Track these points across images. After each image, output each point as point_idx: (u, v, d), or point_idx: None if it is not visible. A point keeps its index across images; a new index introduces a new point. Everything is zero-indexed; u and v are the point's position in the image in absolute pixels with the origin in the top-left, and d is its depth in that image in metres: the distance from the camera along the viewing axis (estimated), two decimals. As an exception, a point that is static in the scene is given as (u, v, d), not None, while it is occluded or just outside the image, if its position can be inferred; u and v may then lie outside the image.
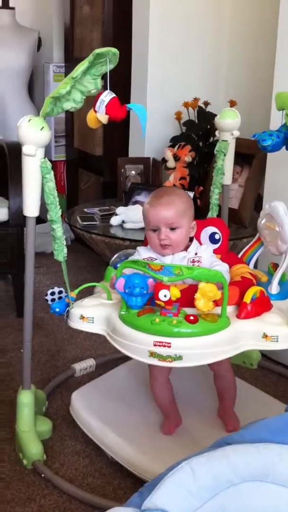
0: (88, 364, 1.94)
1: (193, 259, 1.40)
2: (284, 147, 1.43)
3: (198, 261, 1.40)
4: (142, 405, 1.61)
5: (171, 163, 2.37)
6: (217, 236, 1.54)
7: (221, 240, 1.54)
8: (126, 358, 1.87)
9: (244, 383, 1.77)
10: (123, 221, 2.26)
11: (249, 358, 1.98)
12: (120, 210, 2.28)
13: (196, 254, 1.42)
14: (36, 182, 1.35)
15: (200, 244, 1.49)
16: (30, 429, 1.53)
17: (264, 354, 2.01)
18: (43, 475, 1.48)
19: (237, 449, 0.97)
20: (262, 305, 1.35)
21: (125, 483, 1.47)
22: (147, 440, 1.49)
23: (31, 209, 1.40)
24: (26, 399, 1.54)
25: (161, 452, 1.43)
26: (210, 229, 1.54)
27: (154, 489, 0.91)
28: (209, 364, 1.52)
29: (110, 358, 1.99)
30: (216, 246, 1.53)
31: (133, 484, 1.44)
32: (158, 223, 1.39)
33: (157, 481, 0.96)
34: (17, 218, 2.27)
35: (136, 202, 2.34)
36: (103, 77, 1.29)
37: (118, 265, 1.35)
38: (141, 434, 1.51)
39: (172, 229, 1.39)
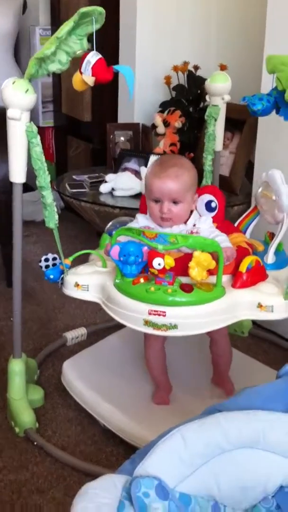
0: (79, 332, 1.94)
1: (192, 231, 1.38)
2: (274, 111, 1.40)
3: (197, 232, 1.37)
4: (134, 373, 1.62)
5: (161, 129, 2.33)
6: (213, 204, 1.52)
7: (217, 208, 1.51)
8: (118, 327, 1.87)
9: (235, 351, 1.76)
10: (112, 188, 2.23)
11: (240, 326, 1.99)
12: (109, 177, 2.25)
13: (194, 225, 1.39)
14: (22, 147, 1.32)
15: (199, 215, 1.46)
16: (22, 397, 1.54)
17: (255, 322, 2.02)
18: (35, 443, 1.49)
19: (228, 416, 0.97)
20: (257, 275, 1.34)
21: (117, 450, 1.48)
22: (139, 408, 1.50)
23: (17, 175, 1.37)
24: (17, 367, 1.54)
25: (153, 419, 1.44)
26: (207, 197, 1.52)
27: (146, 456, 0.92)
28: None
29: (102, 327, 1.99)
30: (213, 214, 1.51)
31: (125, 451, 1.45)
32: (162, 195, 1.35)
33: (148, 448, 0.97)
34: (4, 186, 2.21)
35: (125, 169, 2.30)
36: (90, 38, 1.24)
37: (113, 232, 1.33)
38: (133, 402, 1.52)
39: (175, 202, 1.36)
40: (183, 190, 1.35)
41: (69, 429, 1.56)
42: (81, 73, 1.27)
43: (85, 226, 2.73)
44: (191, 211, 1.42)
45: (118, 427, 1.46)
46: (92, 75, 1.26)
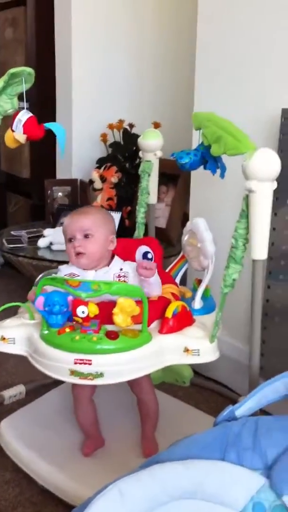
0: (17, 390, 1.88)
1: (119, 274, 1.39)
2: (202, 167, 1.46)
3: (125, 276, 1.38)
4: (72, 430, 1.58)
5: (98, 184, 2.38)
6: (149, 255, 1.54)
7: (153, 259, 1.54)
8: (56, 383, 1.84)
9: (175, 400, 1.77)
10: (51, 243, 2.23)
11: (181, 376, 1.98)
12: (47, 231, 2.26)
13: (121, 269, 1.41)
14: None
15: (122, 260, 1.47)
16: None
17: (196, 371, 2.03)
18: None
19: (165, 468, 0.96)
20: (184, 320, 1.36)
21: (56, 510, 1.42)
22: (78, 466, 1.46)
23: None
24: None
25: (92, 477, 1.40)
26: (143, 248, 1.54)
27: (81, 514, 0.89)
28: (131, 388, 1.51)
29: (40, 384, 1.94)
30: None
31: (64, 511, 1.40)
32: (74, 231, 1.39)
33: (85, 505, 0.94)
34: None
35: (63, 224, 2.32)
36: (21, 97, 1.28)
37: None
38: (71, 460, 1.48)
39: (86, 236, 1.39)
40: (94, 225, 1.39)
41: (6, 491, 1.49)
42: (12, 130, 1.29)
43: (26, 281, 2.69)
44: (113, 256, 1.44)
45: (56, 486, 1.41)
46: (24, 133, 1.28)
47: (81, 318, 1.22)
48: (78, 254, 1.38)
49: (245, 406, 1.08)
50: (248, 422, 1.01)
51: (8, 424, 1.62)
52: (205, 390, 1.98)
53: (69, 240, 1.41)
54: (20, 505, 1.45)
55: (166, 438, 1.48)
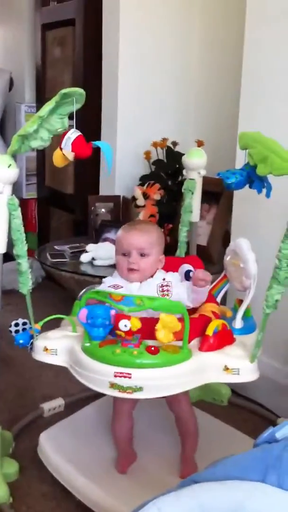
0: (56, 403, 1.91)
1: (162, 284, 1.41)
2: (247, 186, 1.46)
3: (167, 285, 1.40)
4: (110, 445, 1.59)
5: (140, 201, 2.40)
6: (191, 274, 1.55)
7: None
8: (95, 397, 1.85)
9: (213, 419, 1.76)
10: (93, 258, 2.26)
11: (219, 395, 1.98)
12: (90, 247, 2.29)
13: (164, 279, 1.42)
14: (3, 219, 1.35)
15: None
16: (-4, 471, 1.50)
17: (235, 391, 2.01)
18: (8, 519, 1.44)
19: (204, 487, 0.95)
20: (224, 338, 1.36)
21: (93, 525, 1.43)
22: (115, 482, 1.46)
23: (-1, 245, 1.40)
24: (-9, 440, 1.50)
25: (129, 493, 1.40)
26: (186, 266, 1.55)
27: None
28: (169, 405, 1.52)
29: (79, 397, 1.96)
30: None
31: (101, 526, 1.40)
32: (130, 247, 1.41)
33: (123, 522, 0.94)
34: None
35: (106, 239, 2.35)
36: (71, 116, 1.31)
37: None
38: (109, 475, 1.49)
39: (142, 255, 1.41)
40: (150, 243, 1.41)
41: (44, 504, 1.51)
42: (61, 149, 1.32)
43: (65, 295, 2.73)
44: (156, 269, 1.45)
45: (93, 501, 1.42)
46: (72, 151, 1.31)
47: (124, 332, 1.23)
48: (131, 270, 1.40)
49: (286, 428, 1.06)
50: (289, 445, 1.00)
51: (48, 436, 1.64)
52: (243, 410, 1.97)
53: (123, 254, 1.43)
54: (57, 517, 1.46)
55: (203, 458, 1.48)
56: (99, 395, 1.84)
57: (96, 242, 2.37)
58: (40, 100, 3.27)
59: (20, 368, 2.21)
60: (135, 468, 1.53)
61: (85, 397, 1.93)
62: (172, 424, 1.60)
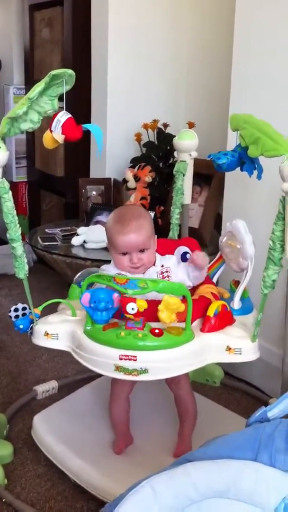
0: (50, 386, 1.92)
1: (161, 271, 1.42)
2: (239, 168, 1.46)
3: (167, 271, 1.41)
4: (104, 426, 1.60)
5: (131, 183, 2.39)
6: (188, 256, 1.55)
7: None
8: (89, 379, 1.86)
9: (206, 399, 1.77)
10: (84, 241, 2.26)
11: (211, 376, 1.99)
12: (81, 230, 2.29)
13: (162, 266, 1.43)
14: (-7, 202, 1.35)
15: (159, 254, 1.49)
16: (-10, 454, 1.51)
17: (227, 372, 2.03)
18: (4, 500, 1.45)
19: (197, 466, 0.97)
20: (225, 319, 1.37)
21: (88, 505, 1.44)
22: (110, 462, 1.48)
23: (-11, 229, 1.39)
24: (-15, 423, 1.51)
25: (124, 473, 1.41)
26: (182, 248, 1.56)
27: (115, 509, 0.91)
28: (169, 385, 1.53)
29: (73, 380, 1.97)
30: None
31: (96, 507, 1.42)
32: (130, 248, 1.39)
33: (118, 501, 0.96)
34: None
35: (97, 222, 2.35)
36: (61, 98, 1.30)
37: (82, 282, 1.35)
38: (103, 456, 1.50)
39: (142, 251, 1.40)
40: (147, 238, 1.40)
41: (39, 485, 1.52)
42: (51, 131, 1.31)
43: (57, 278, 2.74)
44: None
45: (89, 483, 1.43)
46: (62, 133, 1.30)
47: (132, 314, 1.24)
48: (135, 267, 1.40)
49: (278, 408, 1.08)
50: (281, 424, 1.01)
51: (42, 418, 1.65)
52: (236, 391, 1.99)
53: (122, 253, 1.41)
54: (51, 498, 1.47)
55: (196, 437, 1.50)
56: (92, 378, 1.85)
57: (87, 225, 2.37)
58: (29, 82, 3.23)
59: (13, 352, 2.22)
60: (129, 449, 1.54)
61: (79, 379, 1.94)
62: (167, 405, 1.61)
